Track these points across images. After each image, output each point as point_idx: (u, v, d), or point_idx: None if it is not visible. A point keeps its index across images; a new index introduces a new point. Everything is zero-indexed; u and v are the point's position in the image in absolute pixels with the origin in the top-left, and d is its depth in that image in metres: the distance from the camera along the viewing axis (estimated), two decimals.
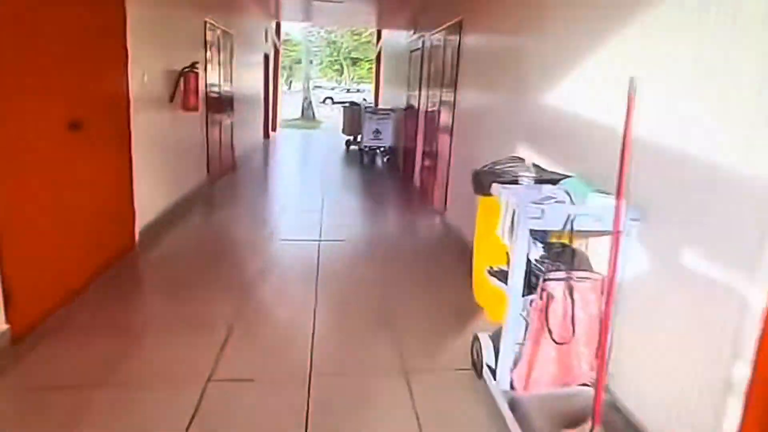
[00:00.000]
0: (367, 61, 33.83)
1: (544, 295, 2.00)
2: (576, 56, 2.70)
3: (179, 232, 4.62)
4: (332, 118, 21.01)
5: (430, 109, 6.58)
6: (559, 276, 1.99)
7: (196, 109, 5.40)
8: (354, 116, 10.84)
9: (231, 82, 7.67)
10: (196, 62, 5.45)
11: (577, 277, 1.99)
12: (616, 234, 1.98)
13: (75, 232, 3.17)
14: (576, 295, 1.97)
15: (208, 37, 6.39)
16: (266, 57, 11.67)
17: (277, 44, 13.51)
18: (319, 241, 4.59)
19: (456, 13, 5.30)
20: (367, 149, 9.74)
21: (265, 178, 8.34)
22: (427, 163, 6.76)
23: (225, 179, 7.13)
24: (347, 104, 11.72)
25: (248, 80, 9.38)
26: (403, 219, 6.00)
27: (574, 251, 2.06)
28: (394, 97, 10.19)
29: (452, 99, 5.32)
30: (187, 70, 5.26)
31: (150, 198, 4.44)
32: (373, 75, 15.60)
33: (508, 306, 2.16)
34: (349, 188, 7.71)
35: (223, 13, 7.10)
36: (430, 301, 3.43)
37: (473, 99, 4.74)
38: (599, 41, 2.45)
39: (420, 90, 7.22)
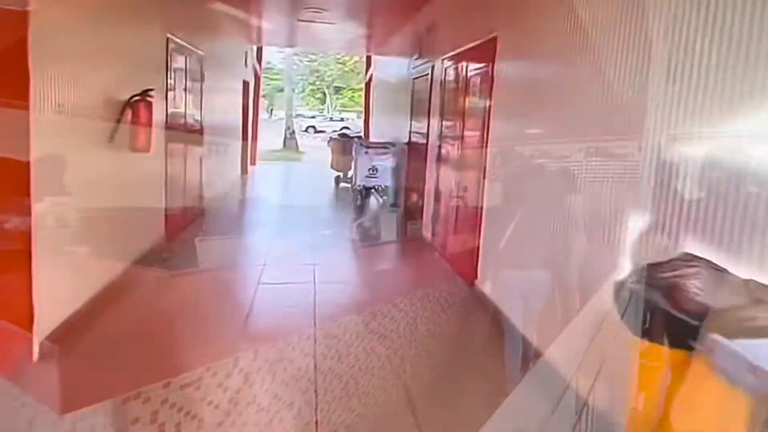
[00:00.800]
0: (350, 89, 32.97)
1: None
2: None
3: (107, 330, 3.12)
4: (316, 147, 19.76)
5: (444, 145, 5.38)
6: None
7: (146, 148, 4.09)
8: (345, 150, 9.44)
9: (201, 110, 6.37)
10: (151, 89, 4.16)
11: None
12: None
13: None
14: None
15: (172, 58, 5.12)
16: (245, 84, 10.44)
17: (258, 70, 12.31)
18: (314, 342, 3.19)
19: (487, 29, 4.13)
20: (362, 189, 8.31)
21: (239, 228, 6.91)
22: (441, 210, 5.51)
23: (189, 231, 5.69)
24: (336, 136, 10.40)
25: (223, 109, 8.07)
26: (425, 293, 4.59)
27: None
28: (389, 129, 8.98)
29: (480, 134, 4.14)
30: (136, 99, 3.97)
31: (66, 285, 3.05)
32: (363, 104, 14.50)
33: None
34: (346, 244, 6.36)
35: (192, 31, 5.83)
36: None
37: (514, 135, 3.56)
38: None
39: (429, 122, 6.04)
